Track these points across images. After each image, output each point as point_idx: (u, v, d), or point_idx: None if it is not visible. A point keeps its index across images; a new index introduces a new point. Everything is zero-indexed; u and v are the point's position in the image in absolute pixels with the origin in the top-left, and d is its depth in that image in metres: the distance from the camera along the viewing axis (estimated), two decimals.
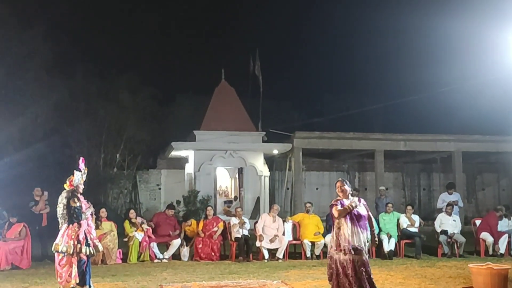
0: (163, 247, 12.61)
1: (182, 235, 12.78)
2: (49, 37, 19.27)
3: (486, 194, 26.47)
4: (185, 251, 12.55)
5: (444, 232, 12.96)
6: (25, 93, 18.17)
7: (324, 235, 12.79)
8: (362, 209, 7.33)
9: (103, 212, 12.25)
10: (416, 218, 13.30)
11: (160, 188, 23.86)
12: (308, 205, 13.36)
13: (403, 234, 12.95)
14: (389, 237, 12.71)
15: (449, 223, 13.15)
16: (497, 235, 12.92)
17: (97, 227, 11.40)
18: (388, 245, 12.59)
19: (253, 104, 23.18)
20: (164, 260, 12.18)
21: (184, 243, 12.65)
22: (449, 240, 12.89)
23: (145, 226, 12.35)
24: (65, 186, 8.13)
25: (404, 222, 13.07)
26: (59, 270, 7.95)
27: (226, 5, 45.04)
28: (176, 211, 17.34)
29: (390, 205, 13.47)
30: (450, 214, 13.31)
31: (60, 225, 8.03)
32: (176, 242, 12.48)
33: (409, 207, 13.46)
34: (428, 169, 26.51)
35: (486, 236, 12.99)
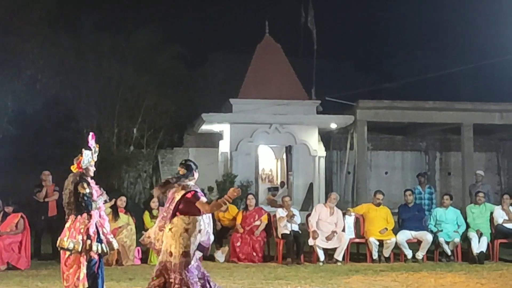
0: None
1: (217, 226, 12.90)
2: None
3: None
4: (221, 252, 12.70)
5: None
6: (22, 52, 18.39)
7: (394, 232, 12.77)
8: None
9: (122, 201, 12.45)
10: None
11: None
12: (379, 196, 13.20)
13: (498, 232, 12.83)
14: (480, 235, 12.60)
15: None
16: None
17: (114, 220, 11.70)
18: (479, 246, 12.48)
19: (305, 65, 23.09)
20: None
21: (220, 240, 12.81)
22: None
23: None
24: (72, 168, 8.27)
25: (500, 216, 12.93)
26: (65, 271, 8.09)
27: None
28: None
29: (481, 194, 13.35)
30: None
31: (66, 217, 8.18)
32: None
33: (506, 197, 13.28)
34: None
35: None
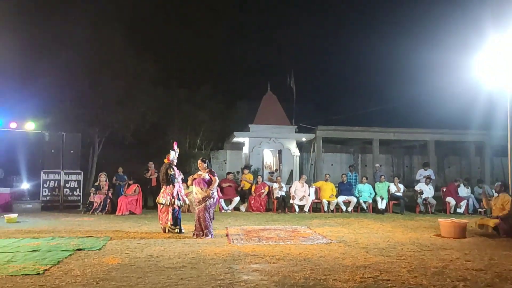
0: (227, 202, 12.76)
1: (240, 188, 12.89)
2: (156, 58, 19.59)
3: (451, 170, 25.64)
4: (243, 206, 12.69)
5: (421, 194, 12.72)
6: (138, 101, 18.61)
7: (336, 196, 12.73)
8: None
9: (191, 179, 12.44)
10: (401, 186, 13.05)
11: (225, 163, 24.02)
12: (327, 175, 13.24)
13: (391, 197, 12.78)
14: (382, 199, 12.57)
15: (426, 190, 12.86)
16: (458, 199, 12.58)
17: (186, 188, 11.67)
18: (381, 205, 12.45)
19: (289, 106, 23.05)
20: (228, 211, 12.32)
21: (242, 200, 12.77)
22: (424, 201, 12.62)
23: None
24: (165, 160, 8.32)
25: (393, 189, 12.88)
26: (160, 215, 8.16)
27: (273, 44, 44.57)
28: (236, 178, 17.46)
29: (383, 177, 13.29)
30: (427, 184, 13.02)
31: (161, 186, 8.23)
32: (236, 199, 12.61)
33: (396, 179, 13.22)
34: (410, 152, 25.88)
35: (450, 199, 12.66)
